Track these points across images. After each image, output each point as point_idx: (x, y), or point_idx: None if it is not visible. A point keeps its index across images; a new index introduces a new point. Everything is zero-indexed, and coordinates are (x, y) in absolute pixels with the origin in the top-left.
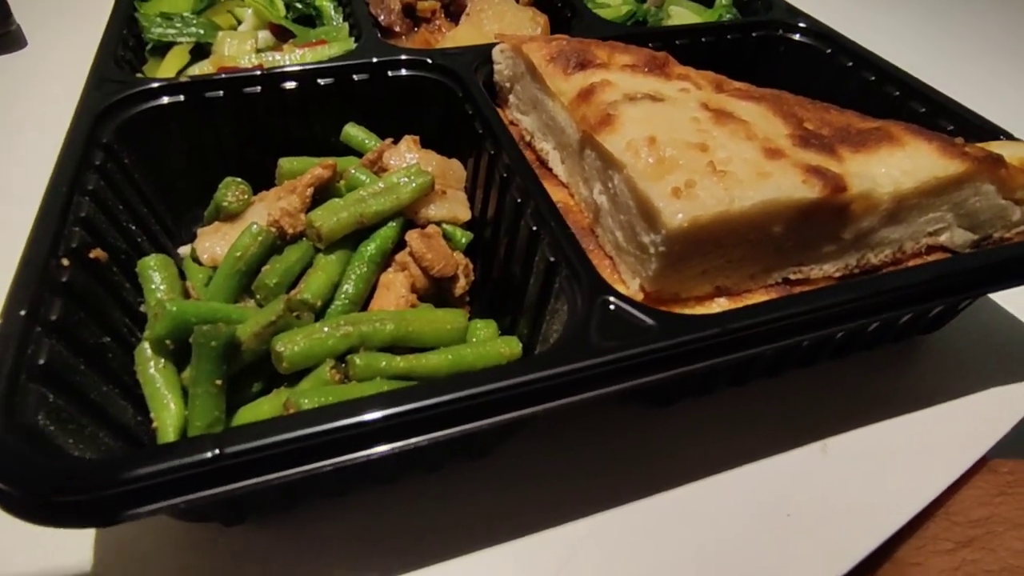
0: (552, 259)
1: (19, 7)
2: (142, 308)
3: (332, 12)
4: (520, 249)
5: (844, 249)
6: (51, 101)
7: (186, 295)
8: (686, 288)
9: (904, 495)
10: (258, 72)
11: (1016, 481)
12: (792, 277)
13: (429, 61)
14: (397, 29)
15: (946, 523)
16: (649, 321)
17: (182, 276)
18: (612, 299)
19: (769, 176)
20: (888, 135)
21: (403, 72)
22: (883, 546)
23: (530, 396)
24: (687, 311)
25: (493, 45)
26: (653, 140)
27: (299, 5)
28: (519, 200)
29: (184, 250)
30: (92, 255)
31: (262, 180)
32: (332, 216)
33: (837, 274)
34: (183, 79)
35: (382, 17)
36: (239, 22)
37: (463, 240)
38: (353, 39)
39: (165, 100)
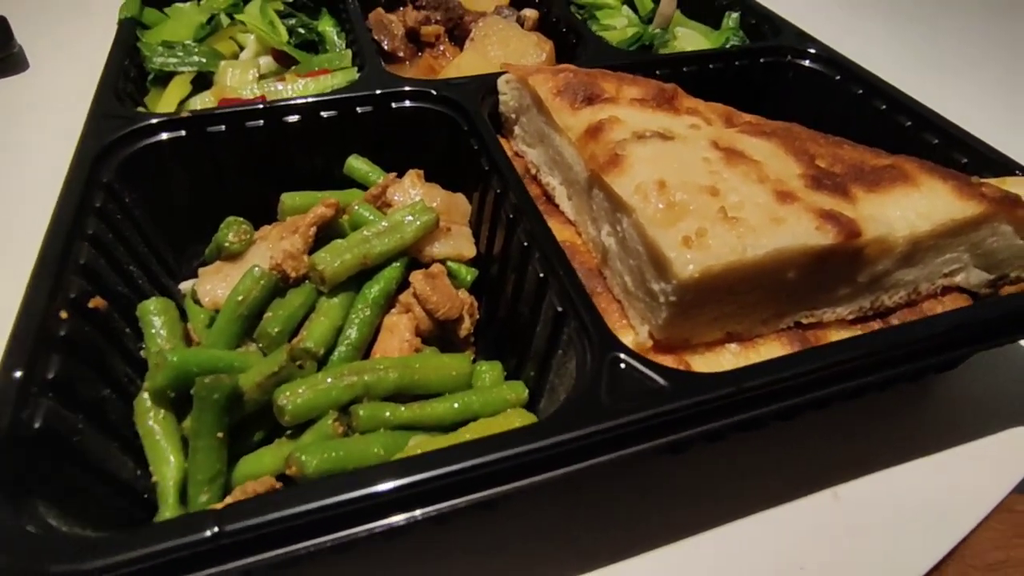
0: (560, 309)
1: (21, 29)
2: (142, 353)
3: (335, 38)
4: (527, 293)
5: (858, 292)
6: (53, 124)
7: (187, 338)
8: (696, 334)
9: (920, 544)
10: (260, 105)
11: None
12: (804, 321)
13: (433, 92)
14: (401, 55)
15: (962, 567)
16: (661, 381)
17: (183, 316)
18: (623, 356)
19: (782, 222)
20: (903, 174)
21: (407, 104)
22: None
23: (541, 463)
24: (697, 357)
25: (498, 75)
26: (663, 184)
27: (302, 31)
28: (526, 244)
29: (185, 286)
30: (92, 304)
31: (264, 213)
32: (336, 259)
33: (850, 317)
34: (184, 114)
35: (385, 43)
36: (241, 48)
37: (468, 278)
38: (356, 67)
39: (166, 136)
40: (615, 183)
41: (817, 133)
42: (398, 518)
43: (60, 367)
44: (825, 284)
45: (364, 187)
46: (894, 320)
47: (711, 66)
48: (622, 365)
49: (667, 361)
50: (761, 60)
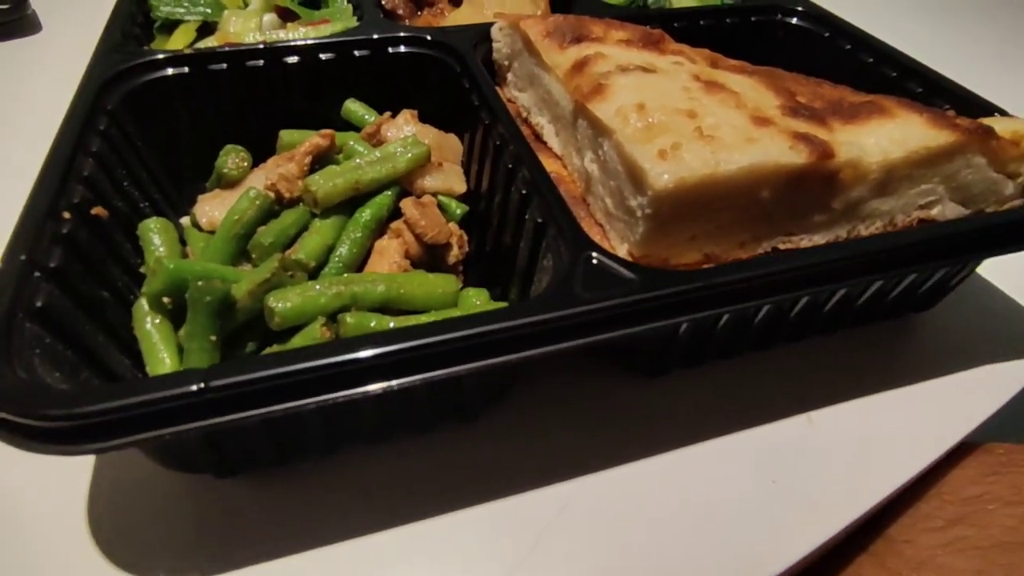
0: (540, 220)
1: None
2: (141, 269)
3: None
4: (511, 215)
5: (834, 220)
6: (63, 85)
7: (185, 259)
8: (675, 254)
9: (890, 468)
10: (261, 46)
11: (1010, 462)
12: (781, 247)
13: (428, 38)
14: (400, 12)
15: (938, 502)
16: (630, 275)
17: (182, 243)
18: (595, 254)
19: (756, 141)
20: (879, 107)
21: (403, 49)
22: (874, 523)
23: (514, 341)
24: None
25: (491, 24)
26: (642, 106)
27: None
28: (511, 166)
29: (186, 220)
30: (94, 212)
31: (264, 153)
32: (328, 181)
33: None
34: (186, 50)
35: (385, 0)
36: (246, 4)
37: (458, 211)
38: (356, 19)
39: (170, 71)
40: (597, 109)
41: (800, 75)
42: (376, 386)
43: (62, 259)
44: (800, 209)
45: (360, 129)
46: None
47: (702, 22)
48: (594, 261)
49: None
50: (752, 18)
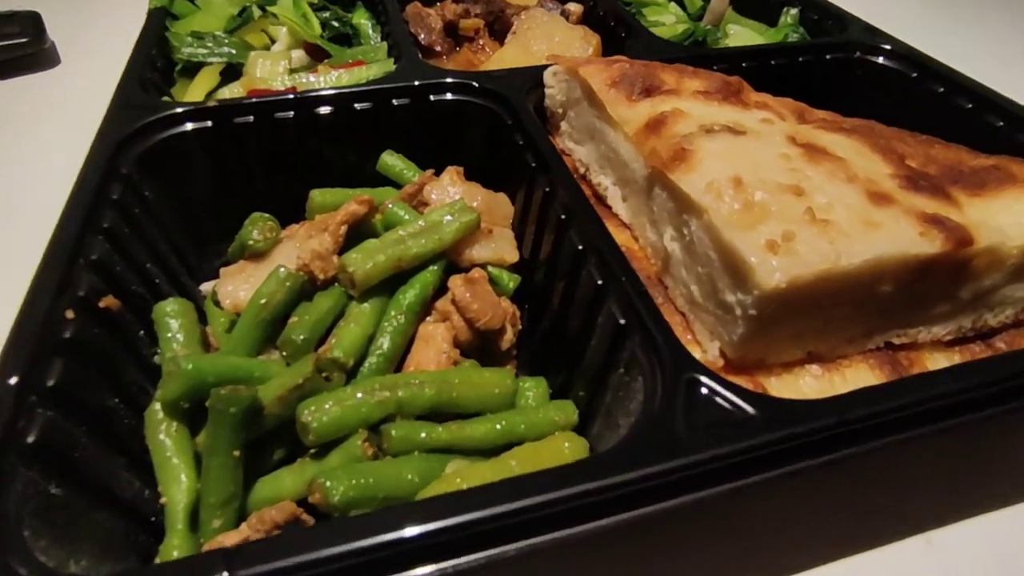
0: (623, 321)
1: (52, 24)
2: (156, 359)
3: (369, 31)
4: (580, 301)
5: (959, 309)
6: (81, 122)
7: (206, 343)
8: (773, 353)
9: None
10: (291, 96)
11: None
12: (895, 341)
13: (476, 85)
14: (438, 49)
15: None
16: (749, 409)
17: (203, 320)
18: (702, 379)
19: (879, 227)
20: (1010, 176)
21: (447, 96)
22: None
23: (606, 504)
24: (773, 379)
25: (545, 67)
26: (739, 181)
27: (335, 23)
28: (580, 247)
29: (207, 287)
30: (103, 304)
31: (291, 210)
32: (368, 260)
33: (948, 337)
34: (211, 103)
35: (422, 36)
36: (273, 41)
37: (511, 285)
38: (393, 60)
39: (191, 126)
40: (682, 180)
41: (902, 131)
42: (428, 569)
43: (62, 373)
44: (922, 299)
45: (398, 185)
46: (999, 343)
47: (772, 62)
48: (702, 389)
49: (741, 384)
50: (827, 56)
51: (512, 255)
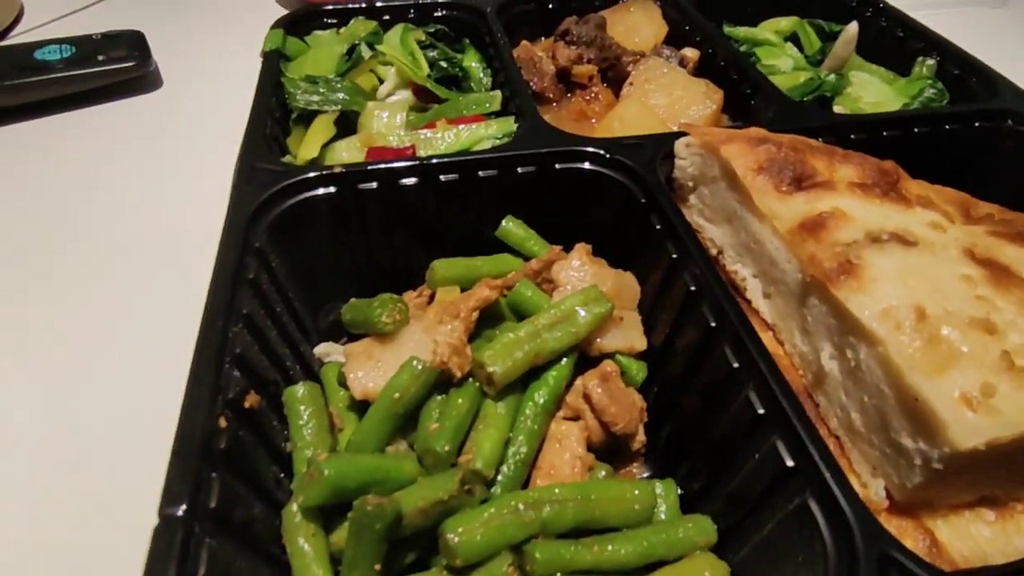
0: (790, 463)
1: (155, 45)
2: (286, 445)
3: (480, 74)
4: (733, 420)
5: None
6: (186, 147)
7: (331, 423)
8: (944, 496)
9: None
10: (415, 162)
11: None
12: None
13: (605, 155)
14: (550, 95)
15: None
16: None
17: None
18: (899, 558)
19: None
20: None
21: (573, 165)
22: None
23: None
24: (939, 521)
25: (675, 135)
26: (922, 313)
27: (444, 64)
28: (736, 365)
29: (320, 350)
30: (247, 404)
31: (404, 268)
32: (507, 359)
33: None
34: (337, 169)
35: (534, 82)
36: (381, 81)
37: (639, 376)
38: (513, 118)
39: (318, 192)
40: (851, 302)
41: None
42: None
43: (220, 491)
44: None
45: (516, 252)
46: None
47: (916, 130)
48: (894, 572)
49: (904, 527)
50: (976, 125)
51: (640, 343)
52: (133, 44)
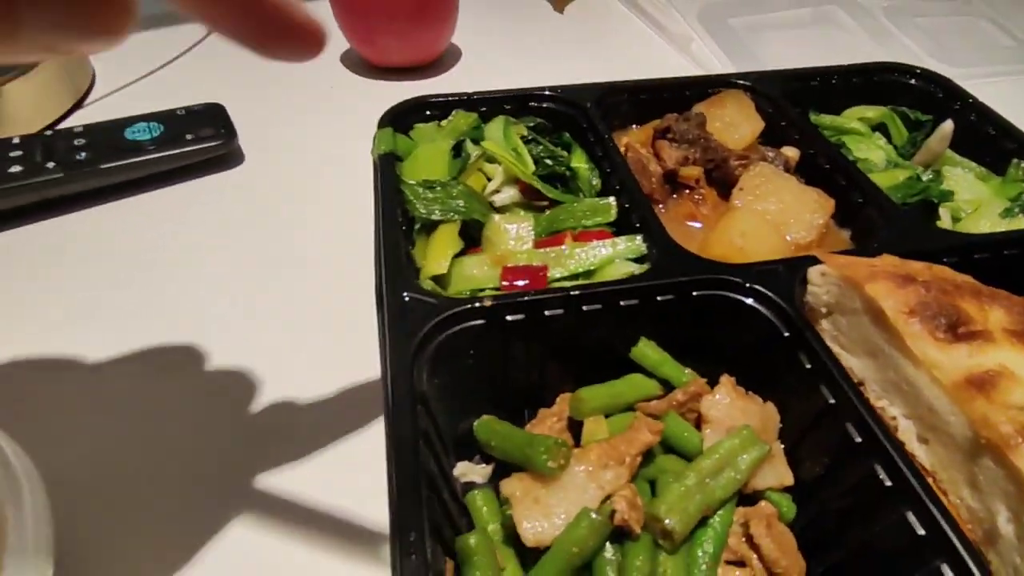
0: None
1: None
2: None
3: (588, 174)
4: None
5: None
6: (271, 224)
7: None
8: None
9: None
10: (561, 294)
11: None
12: None
13: (746, 285)
14: (657, 197)
15: None
16: None
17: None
18: None
19: None
20: None
21: (711, 292)
22: None
23: None
24: None
25: (807, 260)
26: None
27: (548, 161)
28: (920, 532)
29: (459, 470)
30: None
31: (538, 383)
32: (683, 513)
33: None
34: (488, 303)
35: (643, 184)
36: (489, 179)
37: (790, 514)
38: (641, 237)
39: (469, 324)
40: None
41: None
42: None
43: None
44: None
45: (648, 373)
46: None
47: None
48: None
49: None
50: None
51: (789, 477)
52: (219, 121)
